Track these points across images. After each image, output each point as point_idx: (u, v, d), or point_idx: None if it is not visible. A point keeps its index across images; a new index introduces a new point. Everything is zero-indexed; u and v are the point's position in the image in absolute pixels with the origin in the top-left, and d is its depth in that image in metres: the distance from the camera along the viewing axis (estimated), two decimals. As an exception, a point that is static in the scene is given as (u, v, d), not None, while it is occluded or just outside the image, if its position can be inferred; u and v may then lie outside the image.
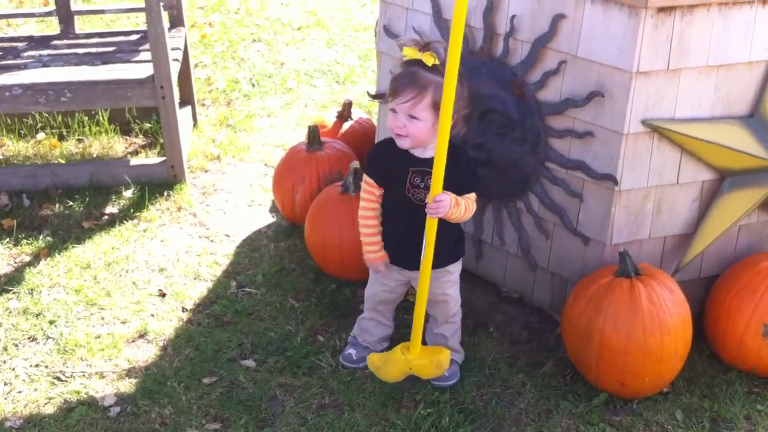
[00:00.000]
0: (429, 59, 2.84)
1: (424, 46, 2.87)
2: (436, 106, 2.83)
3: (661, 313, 3.02)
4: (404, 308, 3.59)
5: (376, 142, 4.39)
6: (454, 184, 2.95)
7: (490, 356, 3.38)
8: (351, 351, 3.35)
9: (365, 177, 3.10)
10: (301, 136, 5.20)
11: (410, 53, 2.87)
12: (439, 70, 2.81)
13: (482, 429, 3.03)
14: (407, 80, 2.87)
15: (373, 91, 4.08)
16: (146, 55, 4.67)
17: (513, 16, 3.22)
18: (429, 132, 2.90)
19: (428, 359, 3.09)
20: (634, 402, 3.14)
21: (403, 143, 2.96)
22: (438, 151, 2.76)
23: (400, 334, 3.47)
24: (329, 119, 4.74)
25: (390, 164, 3.05)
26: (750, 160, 3.18)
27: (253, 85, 6.09)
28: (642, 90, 2.99)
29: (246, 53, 6.69)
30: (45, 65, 4.61)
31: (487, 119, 3.39)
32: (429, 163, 2.89)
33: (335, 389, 3.20)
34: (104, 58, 4.71)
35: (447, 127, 2.70)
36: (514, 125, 3.33)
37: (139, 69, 4.51)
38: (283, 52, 6.75)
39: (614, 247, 3.23)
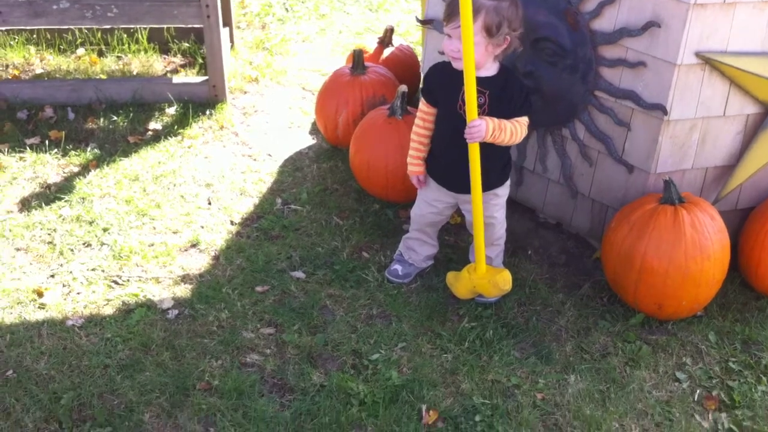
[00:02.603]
0: None
1: None
2: (488, 30, 2.92)
3: (703, 239, 3.14)
4: (445, 229, 3.71)
5: (421, 67, 4.45)
6: (506, 107, 3.04)
7: (530, 277, 3.50)
8: (397, 267, 3.47)
9: (421, 97, 3.20)
10: (336, 62, 5.28)
11: None
12: None
13: (524, 343, 3.18)
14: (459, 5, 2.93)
15: (420, 17, 4.13)
16: (190, -26, 4.69)
17: (572, -56, 3.27)
18: (482, 54, 2.98)
19: (487, 279, 3.22)
20: (669, 323, 3.28)
21: (458, 65, 3.04)
22: (467, 79, 2.86)
23: (442, 253, 3.59)
24: (369, 45, 4.79)
25: (444, 84, 3.14)
26: (796, 95, 3.26)
27: (287, 9, 6.11)
28: (697, 22, 3.05)
29: (278, -22, 6.69)
30: (90, -20, 4.64)
31: (539, 47, 3.45)
32: (483, 81, 2.98)
33: (382, 301, 3.34)
34: (148, -24, 4.73)
35: (471, 55, 2.81)
36: (565, 54, 3.39)
37: (186, -13, 4.54)
38: (315, -22, 6.74)
39: (658, 176, 3.33)
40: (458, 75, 3.07)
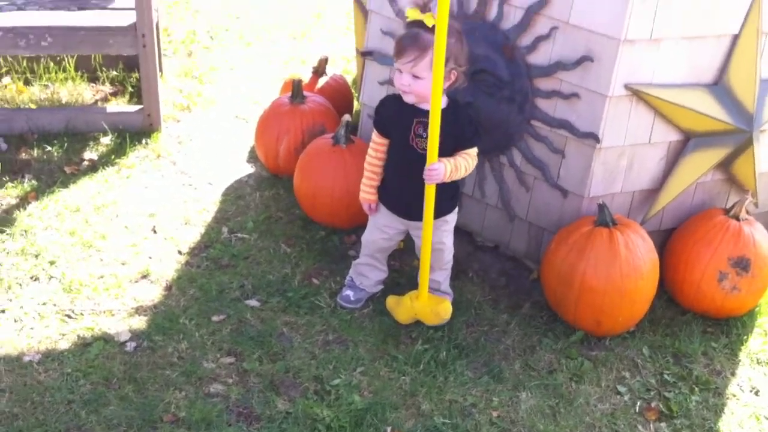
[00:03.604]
0: (429, 20, 3.06)
1: (424, 7, 3.09)
2: None
3: (636, 259, 3.37)
4: (391, 254, 3.83)
5: (358, 97, 4.59)
6: (456, 138, 3.21)
7: (474, 299, 3.67)
8: (348, 292, 3.58)
9: (374, 128, 3.34)
10: (267, 91, 5.37)
11: (412, 14, 3.10)
12: None
13: (476, 362, 3.33)
14: (409, 41, 3.10)
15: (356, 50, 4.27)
16: (122, 3, 4.71)
17: (509, -16, 3.47)
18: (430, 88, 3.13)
19: (429, 309, 3.38)
20: (607, 339, 3.50)
21: (408, 99, 3.20)
22: (432, 122, 3.01)
23: (389, 278, 3.71)
24: (300, 74, 4.90)
25: (395, 116, 3.28)
26: (713, 123, 3.54)
27: (212, 38, 6.15)
28: (627, 56, 3.29)
29: (199, 4, 6.72)
30: (20, 8, 4.59)
31: (478, 79, 3.63)
32: None
33: (337, 327, 3.44)
34: (79, 4, 4.71)
35: (438, 98, 2.96)
36: (503, 85, 3.59)
37: (120, 16, 4.55)
38: (236, 5, 6.80)
39: (591, 200, 3.56)
40: (408, 108, 3.23)
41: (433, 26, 3.02)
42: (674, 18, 3.29)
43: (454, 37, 3.13)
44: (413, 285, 3.57)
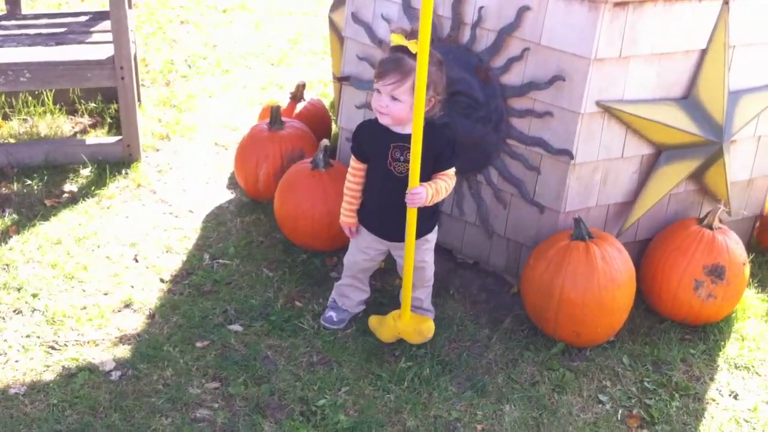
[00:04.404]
0: (413, 47, 3.13)
1: (410, 34, 3.16)
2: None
3: (613, 270, 3.43)
4: (372, 274, 3.87)
5: (335, 120, 4.65)
6: (434, 160, 3.26)
7: (456, 315, 3.71)
8: (331, 314, 3.62)
9: (352, 154, 3.39)
10: (245, 117, 5.42)
11: (397, 40, 3.16)
12: None
13: (459, 377, 3.38)
14: (393, 65, 3.16)
15: (332, 75, 4.33)
16: (99, 36, 4.76)
17: (480, 7, 3.54)
18: (408, 112, 3.19)
19: (413, 327, 3.43)
20: (587, 350, 3.55)
21: (384, 120, 3.25)
22: (413, 148, 3.06)
23: (371, 297, 3.75)
24: (277, 99, 4.95)
25: (372, 142, 3.34)
26: (684, 136, 3.62)
27: (189, 66, 6.21)
28: (597, 75, 3.37)
29: (176, 34, 6.78)
30: (-2, 46, 4.63)
31: (453, 100, 3.69)
32: (408, 138, 3.18)
33: (321, 348, 3.47)
34: (57, 39, 4.76)
35: (420, 121, 3.02)
36: (478, 106, 3.66)
37: (98, 50, 4.59)
38: (213, 33, 6.87)
39: (567, 215, 3.62)
40: (384, 133, 3.28)
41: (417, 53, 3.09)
42: (642, 36, 3.37)
43: (435, 66, 3.20)
44: (395, 304, 3.61)
